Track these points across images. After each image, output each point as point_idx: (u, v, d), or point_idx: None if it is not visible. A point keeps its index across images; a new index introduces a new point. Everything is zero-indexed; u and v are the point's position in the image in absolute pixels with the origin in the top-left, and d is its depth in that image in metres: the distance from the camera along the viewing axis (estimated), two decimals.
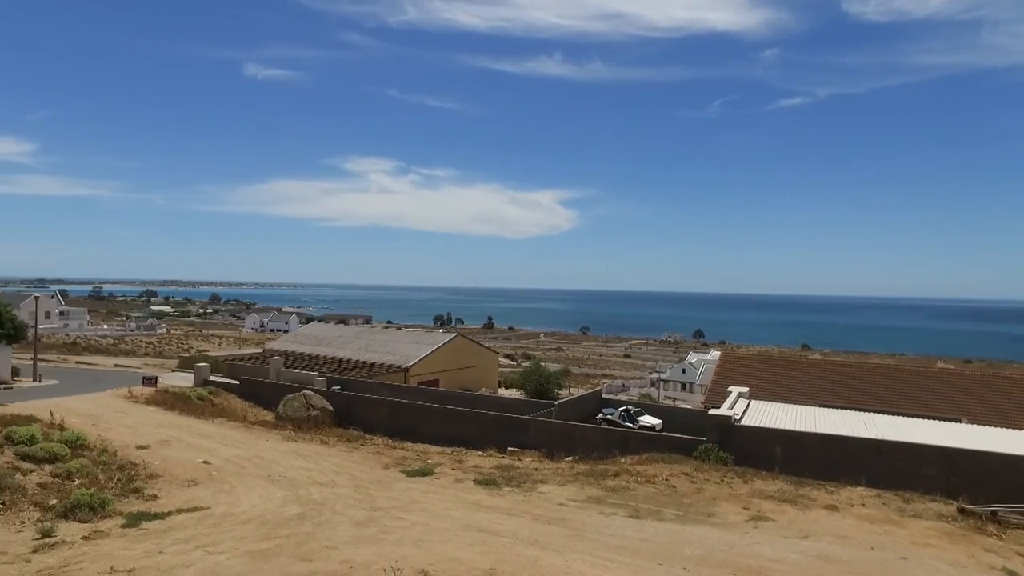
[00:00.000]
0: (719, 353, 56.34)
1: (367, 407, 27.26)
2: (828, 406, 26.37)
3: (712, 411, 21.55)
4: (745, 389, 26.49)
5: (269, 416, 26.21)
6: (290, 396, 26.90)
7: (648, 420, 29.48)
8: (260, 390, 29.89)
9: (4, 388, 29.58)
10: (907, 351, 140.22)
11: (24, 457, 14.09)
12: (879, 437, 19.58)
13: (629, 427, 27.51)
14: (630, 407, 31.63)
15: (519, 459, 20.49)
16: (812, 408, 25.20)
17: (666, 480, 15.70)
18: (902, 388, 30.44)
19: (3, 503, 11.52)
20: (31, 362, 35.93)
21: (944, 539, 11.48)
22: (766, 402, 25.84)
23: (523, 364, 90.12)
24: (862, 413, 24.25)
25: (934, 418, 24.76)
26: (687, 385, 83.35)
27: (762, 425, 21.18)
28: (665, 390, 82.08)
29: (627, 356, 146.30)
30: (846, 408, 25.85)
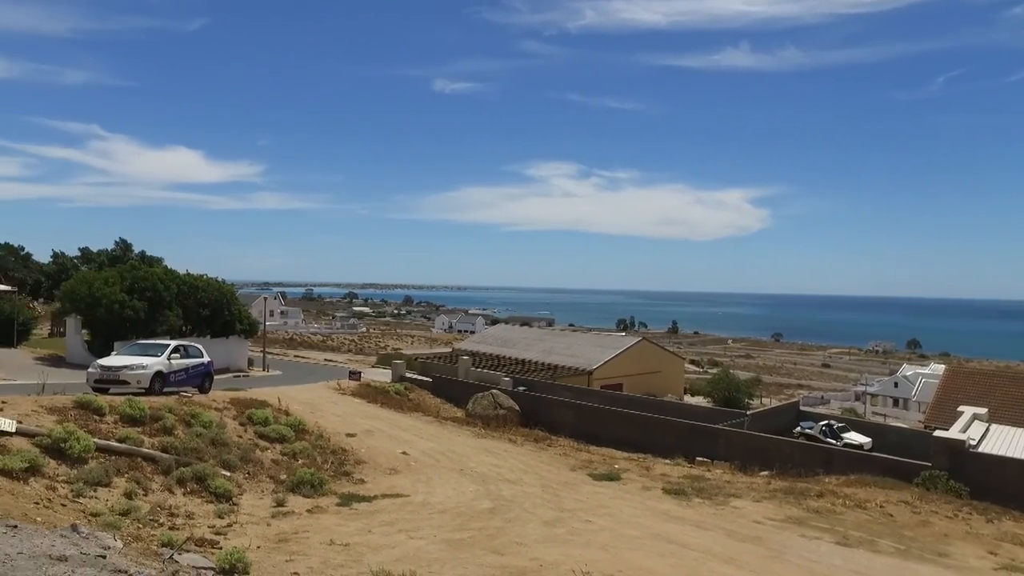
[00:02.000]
0: (942, 367, 49.47)
1: (552, 408, 27.66)
2: None
3: (938, 433, 18.84)
4: (982, 410, 22.88)
5: (459, 413, 27.56)
6: (479, 394, 28.11)
7: (855, 438, 26.66)
8: (450, 388, 31.59)
9: (243, 376, 34.28)
10: None
11: (261, 436, 16.15)
12: None
13: (832, 444, 25.05)
14: (832, 422, 28.85)
15: (708, 470, 19.55)
16: None
17: (880, 507, 14.01)
18: None
19: (248, 473, 13.33)
20: (261, 354, 41.42)
21: None
22: (1010, 427, 22.09)
23: (710, 371, 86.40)
24: None
25: None
26: (900, 401, 74.16)
27: (1011, 455, 18.05)
28: (873, 405, 73.86)
29: (826, 366, 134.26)
30: None
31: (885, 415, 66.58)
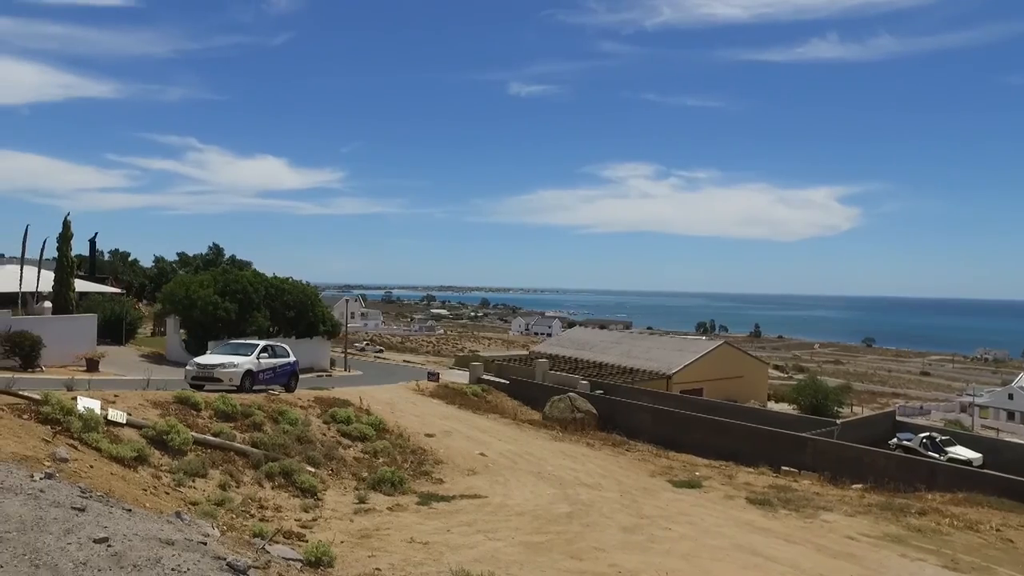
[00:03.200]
0: None
1: (630, 412, 27.24)
2: None
3: None
4: None
5: (536, 415, 27.55)
6: (556, 397, 28.02)
7: (962, 452, 24.83)
8: (527, 390, 31.63)
9: (325, 376, 35.45)
10: None
11: (343, 434, 16.64)
12: None
13: (934, 458, 23.44)
14: (934, 434, 27.02)
15: (795, 480, 18.73)
16: None
17: (996, 530, 12.93)
18: None
19: (332, 470, 13.76)
20: (342, 355, 42.76)
21: None
22: None
23: (795, 377, 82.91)
24: None
25: None
26: (1016, 415, 68.42)
27: None
28: (982, 418, 68.55)
29: (925, 374, 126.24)
30: None
31: (998, 429, 61.61)
